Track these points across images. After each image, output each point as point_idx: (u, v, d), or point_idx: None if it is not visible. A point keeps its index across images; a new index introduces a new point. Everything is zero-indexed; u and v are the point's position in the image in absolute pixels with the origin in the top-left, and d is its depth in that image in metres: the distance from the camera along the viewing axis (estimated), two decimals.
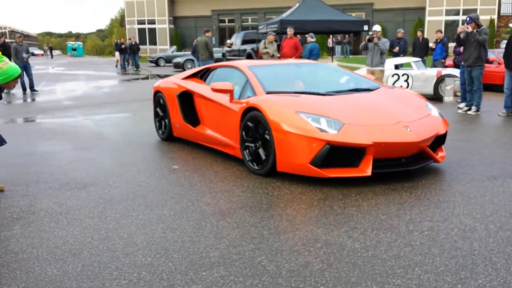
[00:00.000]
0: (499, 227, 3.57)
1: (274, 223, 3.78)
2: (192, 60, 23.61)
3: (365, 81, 6.14)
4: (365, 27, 16.11)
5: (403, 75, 12.36)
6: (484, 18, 31.38)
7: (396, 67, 12.75)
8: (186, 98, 6.74)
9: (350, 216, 3.87)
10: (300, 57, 14.20)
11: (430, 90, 12.10)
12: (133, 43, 27.68)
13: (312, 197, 4.41)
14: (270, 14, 37.30)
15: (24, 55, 15.58)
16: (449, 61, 14.74)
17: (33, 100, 14.10)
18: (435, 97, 11.99)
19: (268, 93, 5.45)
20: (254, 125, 5.16)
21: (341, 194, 4.47)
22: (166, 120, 7.17)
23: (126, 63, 27.22)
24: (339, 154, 4.59)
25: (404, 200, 4.24)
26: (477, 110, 9.43)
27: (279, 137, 4.77)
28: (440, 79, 11.91)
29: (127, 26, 46.51)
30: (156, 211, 4.16)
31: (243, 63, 6.49)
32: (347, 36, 32.82)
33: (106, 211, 4.20)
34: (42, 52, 70.33)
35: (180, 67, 25.94)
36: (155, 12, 44.72)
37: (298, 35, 15.25)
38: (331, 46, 29.68)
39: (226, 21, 42.83)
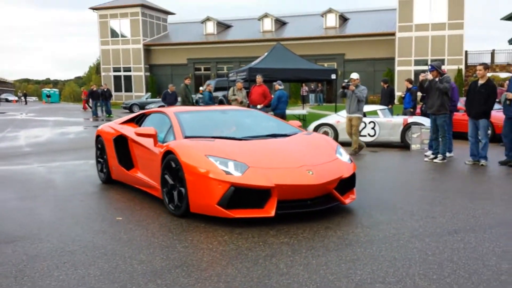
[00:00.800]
0: None
1: (209, 285, 3.36)
2: (164, 106, 23.36)
3: (286, 127, 6.43)
4: (333, 76, 16.23)
5: (369, 122, 12.29)
6: (451, 67, 32.36)
7: (363, 115, 12.68)
8: (122, 142, 6.84)
9: (295, 276, 3.48)
10: (269, 104, 14.11)
11: (397, 138, 12.03)
12: (105, 89, 27.41)
13: (259, 253, 4.02)
14: (245, 63, 37.58)
15: None
16: (418, 109, 14.81)
17: None
18: (403, 145, 11.90)
19: (186, 137, 5.69)
20: (172, 168, 5.28)
21: (290, 249, 4.10)
22: (104, 163, 7.33)
23: (96, 109, 26.80)
24: (245, 195, 4.78)
25: (357, 257, 3.88)
26: (443, 158, 9.28)
27: (190, 179, 4.98)
28: (407, 127, 11.86)
29: (103, 74, 46.43)
30: (80, 270, 3.69)
31: (171, 109, 6.71)
32: (319, 85, 33.26)
33: (25, 270, 3.73)
34: (16, 98, 69.42)
35: None
36: (131, 60, 44.89)
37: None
38: (304, 94, 29.97)
39: (202, 69, 43.17)
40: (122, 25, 45.02)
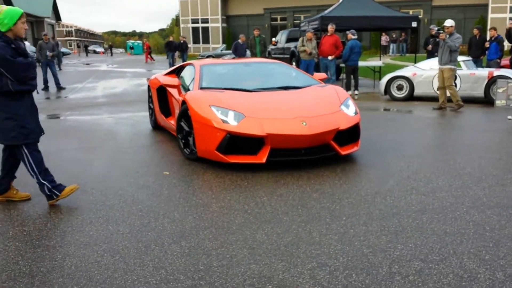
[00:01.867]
0: (509, 275, 2.77)
1: (232, 251, 3.17)
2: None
3: (304, 79, 6.65)
4: (414, 24, 14.95)
5: None
6: None
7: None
8: (163, 92, 7.31)
9: (326, 247, 3.19)
10: (340, 56, 13.40)
11: (480, 93, 10.95)
12: (181, 41, 27.70)
13: (295, 217, 3.76)
14: (323, 11, 36.30)
15: (48, 53, 15.33)
16: (505, 61, 13.38)
17: (66, 97, 14.17)
18: (486, 100, 10.83)
19: (201, 88, 6.18)
20: (187, 116, 5.71)
21: (329, 215, 3.79)
22: (152, 111, 8.10)
23: (171, 60, 27.27)
24: (241, 143, 5.18)
25: (402, 229, 3.49)
26: None
27: (196, 126, 5.47)
28: (492, 81, 10.72)
29: (181, 25, 46.93)
30: (111, 226, 3.66)
31: (199, 62, 7.17)
32: (402, 33, 31.17)
33: (60, 223, 3.77)
34: (103, 50, 72.77)
35: None
36: (208, 11, 44.83)
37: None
38: (384, 44, 28.29)
39: (278, 19, 42.20)
40: None
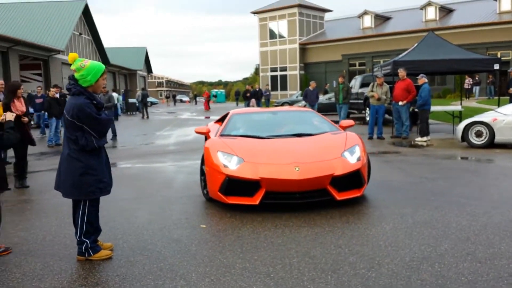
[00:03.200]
0: None
1: None
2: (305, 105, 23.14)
3: (322, 127, 6.95)
4: (496, 66, 13.90)
5: None
6: None
7: None
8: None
9: None
10: (415, 101, 12.76)
11: None
12: (257, 89, 28.25)
13: (320, 286, 3.33)
14: None
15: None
16: None
17: (141, 144, 14.69)
18: None
19: (221, 135, 6.74)
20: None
21: (361, 285, 3.32)
22: None
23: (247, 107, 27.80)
24: (241, 185, 5.53)
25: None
26: None
27: (207, 170, 6.03)
28: None
29: (261, 74, 48.15)
30: (124, 285, 3.47)
31: (235, 110, 7.96)
32: (490, 76, 29.34)
33: (77, 279, 3.64)
34: (188, 99, 76.41)
35: None
36: (287, 60, 45.66)
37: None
38: (467, 87, 26.72)
39: (357, 64, 41.83)
40: (280, 26, 46.06)
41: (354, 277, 3.48)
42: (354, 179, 5.70)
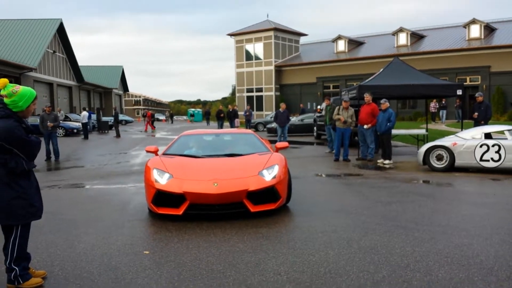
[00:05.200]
0: None
1: None
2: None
3: (254, 148, 7.81)
4: (459, 92, 14.18)
5: (493, 145, 10.40)
6: None
7: (487, 136, 10.83)
8: None
9: None
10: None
11: None
12: (231, 110, 28.27)
13: None
14: None
15: (48, 123, 14.94)
16: None
17: (105, 164, 14.46)
18: None
19: (164, 154, 7.65)
20: None
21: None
22: None
23: (221, 127, 27.77)
24: (170, 198, 6.34)
25: None
26: None
27: (145, 184, 6.86)
28: None
29: (237, 94, 48.34)
30: None
31: (187, 132, 8.97)
32: (457, 100, 30.00)
33: None
34: (164, 117, 76.02)
35: (273, 131, 25.69)
36: (263, 81, 46.00)
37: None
38: (433, 110, 27.17)
39: (331, 87, 42.37)
40: (256, 48, 46.46)
41: None
42: (269, 195, 6.46)
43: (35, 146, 3.98)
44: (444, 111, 30.53)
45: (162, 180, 6.46)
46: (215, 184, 6.22)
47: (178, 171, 6.63)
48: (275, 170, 6.67)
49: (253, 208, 6.31)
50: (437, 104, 30.93)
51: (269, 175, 6.56)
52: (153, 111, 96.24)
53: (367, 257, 4.55)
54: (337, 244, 5.04)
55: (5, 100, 3.90)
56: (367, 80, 15.33)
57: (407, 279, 3.92)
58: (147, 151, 7.92)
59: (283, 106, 19.09)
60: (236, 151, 7.65)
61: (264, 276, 4.08)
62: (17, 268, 3.96)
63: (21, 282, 3.96)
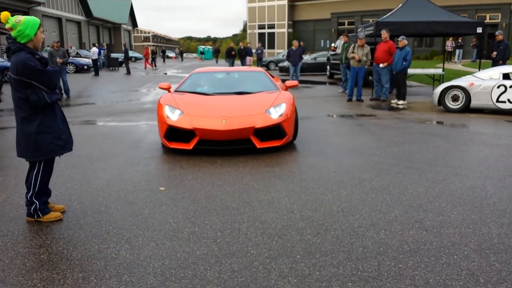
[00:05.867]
0: None
1: None
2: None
3: (263, 87, 7.88)
4: (479, 29, 13.70)
5: (511, 86, 10.17)
6: None
7: (506, 76, 10.57)
8: None
9: None
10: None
11: None
12: (242, 47, 27.77)
13: (263, 252, 3.34)
14: None
15: (58, 59, 14.76)
16: None
17: (117, 102, 14.47)
18: None
19: (175, 91, 7.83)
20: None
21: (303, 251, 3.33)
22: None
23: (233, 65, 27.39)
24: (181, 133, 6.62)
25: (378, 274, 2.96)
26: None
27: (158, 120, 7.06)
28: None
29: (248, 31, 47.32)
30: (67, 249, 3.45)
31: (198, 69, 9.00)
32: (474, 39, 29.14)
33: (20, 240, 3.61)
34: (174, 55, 75.12)
35: (285, 70, 25.32)
36: (275, 17, 44.80)
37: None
38: (449, 50, 26.44)
39: (346, 23, 41.22)
40: None
41: (298, 243, 3.49)
42: (275, 132, 6.67)
43: (53, 76, 3.93)
44: (461, 50, 29.73)
45: (173, 116, 6.70)
46: (224, 121, 6.45)
47: (188, 108, 6.84)
48: (282, 108, 6.84)
49: (259, 145, 6.57)
50: (453, 43, 30.09)
51: (276, 113, 6.74)
52: (163, 48, 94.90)
53: (379, 197, 4.60)
54: (349, 184, 5.08)
55: (12, 33, 3.84)
56: (384, 16, 14.84)
57: (419, 219, 3.96)
58: (160, 88, 8.10)
59: (295, 43, 18.64)
60: (245, 89, 7.78)
61: (278, 214, 4.15)
62: (37, 202, 4.06)
63: (41, 215, 4.08)
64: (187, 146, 6.59)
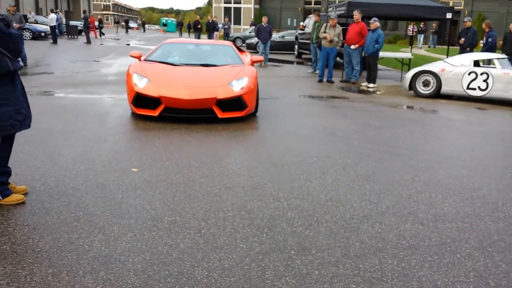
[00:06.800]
0: None
1: None
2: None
3: (229, 60, 8.22)
4: (448, 15, 13.73)
5: (481, 74, 10.23)
6: None
7: (476, 63, 10.62)
8: None
9: None
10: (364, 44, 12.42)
11: None
12: (210, 21, 27.00)
13: (253, 246, 3.06)
14: None
15: (14, 24, 13.43)
16: None
17: (78, 72, 13.70)
18: None
19: (145, 60, 8.04)
20: None
21: (297, 246, 3.08)
22: None
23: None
24: (147, 100, 6.89)
25: (381, 275, 2.75)
26: None
27: (126, 87, 7.34)
28: None
29: (214, 5, 46.15)
30: (32, 239, 3.05)
31: (169, 40, 9.33)
32: (434, 24, 29.46)
33: None
34: (136, 25, 72.77)
35: (253, 48, 24.86)
36: None
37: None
38: (410, 34, 26.56)
39: (312, 2, 40.90)
40: None
41: (290, 236, 3.23)
42: (236, 103, 6.98)
43: (18, 40, 3.47)
44: (422, 35, 30.05)
45: (140, 84, 6.96)
46: (187, 91, 6.75)
47: (155, 77, 7.12)
48: (244, 82, 7.16)
49: (221, 115, 6.89)
50: (415, 27, 30.37)
51: (238, 86, 7.06)
52: (125, 18, 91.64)
53: (366, 185, 4.40)
54: (333, 170, 4.86)
55: None
56: None
57: (412, 211, 3.79)
58: (131, 56, 8.22)
59: (264, 19, 18.17)
60: (212, 61, 8.05)
61: (264, 202, 3.88)
62: None
63: (1, 198, 3.64)
64: (153, 112, 6.85)
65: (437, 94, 10.78)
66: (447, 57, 12.78)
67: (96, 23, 34.80)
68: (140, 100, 6.95)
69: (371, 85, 12.32)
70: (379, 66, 18.20)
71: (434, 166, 5.15)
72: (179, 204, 3.76)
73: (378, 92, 11.56)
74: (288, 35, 25.13)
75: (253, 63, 8.45)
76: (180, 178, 4.42)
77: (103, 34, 35.93)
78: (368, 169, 4.95)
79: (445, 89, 10.72)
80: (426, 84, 10.94)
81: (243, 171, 4.72)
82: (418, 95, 10.97)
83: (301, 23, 22.44)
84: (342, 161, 5.21)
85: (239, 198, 3.94)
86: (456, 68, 10.60)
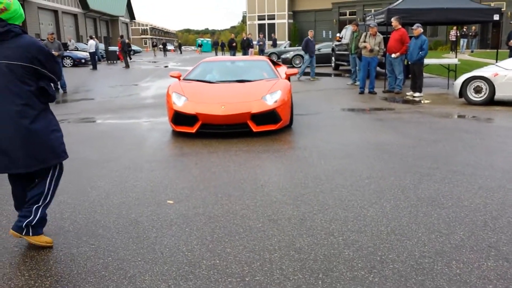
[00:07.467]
0: None
1: None
2: (301, 56, 22.00)
3: (264, 75, 8.39)
4: (496, 17, 12.89)
5: None
6: None
7: None
8: None
9: None
10: (406, 52, 11.77)
11: None
12: (245, 38, 26.91)
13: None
14: None
15: (53, 52, 13.82)
16: None
17: (117, 97, 13.66)
18: None
19: (183, 79, 8.41)
20: None
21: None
22: None
23: None
24: (186, 118, 7.17)
25: None
26: None
27: (166, 106, 7.69)
28: None
29: (248, 22, 46.39)
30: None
31: (208, 58, 9.69)
32: (473, 27, 28.18)
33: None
34: (173, 48, 74.03)
35: (288, 62, 24.51)
36: (275, 7, 43.84)
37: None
38: (453, 39, 25.49)
39: (347, 13, 40.31)
40: None
41: (351, 283, 2.73)
42: (270, 117, 7.13)
43: (60, 64, 3.28)
44: (465, 40, 28.82)
45: (179, 102, 7.28)
46: (223, 107, 6.99)
47: (192, 95, 7.44)
48: (277, 95, 7.31)
49: (255, 129, 7.08)
50: (457, 32, 29.20)
51: (271, 99, 7.23)
52: (163, 41, 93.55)
53: (432, 212, 3.84)
54: (390, 194, 4.32)
55: (4, 15, 3.03)
56: (395, 3, 14.00)
57: (492, 243, 3.21)
58: (171, 76, 8.65)
59: (311, 33, 17.58)
60: (246, 77, 8.29)
61: (315, 237, 3.39)
62: (37, 216, 3.24)
63: (30, 235, 3.27)
64: (191, 129, 7.12)
65: (490, 101, 10.00)
66: (497, 61, 11.95)
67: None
68: (178, 118, 7.24)
69: (417, 94, 11.64)
70: (424, 74, 17.46)
71: (506, 185, 4.52)
72: (218, 244, 3.32)
73: (425, 102, 10.87)
74: (324, 47, 24.60)
75: (288, 76, 8.56)
76: (219, 210, 4.00)
77: (131, 58, 36.13)
78: (430, 191, 4.37)
79: (499, 95, 9.94)
80: (478, 90, 10.18)
81: (288, 199, 4.25)
82: (470, 102, 10.22)
83: (338, 35, 21.92)
84: (398, 183, 4.66)
85: (286, 234, 3.46)
86: (510, 72, 9.81)
